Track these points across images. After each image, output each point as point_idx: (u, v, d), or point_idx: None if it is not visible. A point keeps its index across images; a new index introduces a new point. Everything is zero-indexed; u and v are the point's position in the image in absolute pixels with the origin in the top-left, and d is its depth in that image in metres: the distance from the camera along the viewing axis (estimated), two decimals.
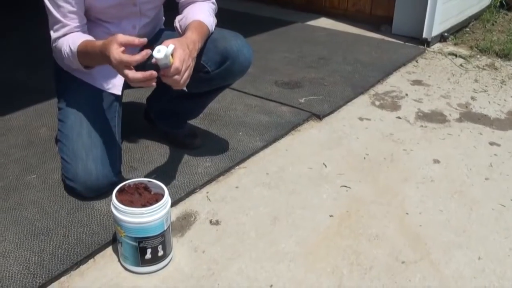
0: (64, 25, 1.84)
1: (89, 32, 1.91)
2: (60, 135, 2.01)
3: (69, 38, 1.83)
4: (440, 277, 1.66)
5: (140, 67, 1.60)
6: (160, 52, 1.60)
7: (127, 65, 1.58)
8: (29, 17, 4.53)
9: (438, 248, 1.79)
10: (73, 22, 1.84)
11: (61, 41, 1.86)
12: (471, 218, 1.96)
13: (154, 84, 1.63)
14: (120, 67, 1.59)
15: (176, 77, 1.65)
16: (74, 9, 1.82)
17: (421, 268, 1.70)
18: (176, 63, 1.63)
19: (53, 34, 1.88)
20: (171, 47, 1.63)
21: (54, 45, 1.90)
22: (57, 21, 1.84)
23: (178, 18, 2.00)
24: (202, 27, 1.87)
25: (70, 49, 1.80)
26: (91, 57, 1.77)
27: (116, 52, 1.57)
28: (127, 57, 1.57)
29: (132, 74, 1.58)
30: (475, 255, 1.76)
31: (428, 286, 1.63)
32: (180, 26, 1.97)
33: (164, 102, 2.29)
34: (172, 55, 1.63)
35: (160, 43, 1.63)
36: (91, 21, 1.95)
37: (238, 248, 1.78)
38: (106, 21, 1.98)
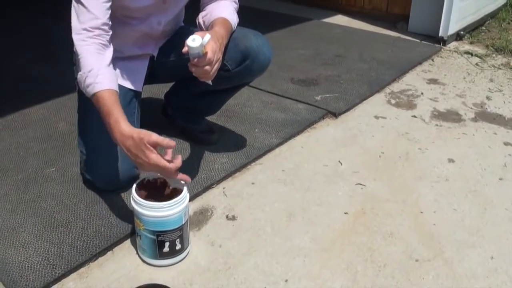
0: (95, 18, 1.71)
1: (113, 30, 1.87)
2: (80, 129, 2.04)
3: (99, 61, 1.70)
4: (453, 276, 1.67)
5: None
6: (195, 41, 1.60)
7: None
8: (46, 11, 4.57)
9: (451, 247, 1.80)
10: (103, 16, 1.73)
11: (86, 45, 1.71)
12: (484, 218, 1.97)
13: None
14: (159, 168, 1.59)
15: (207, 67, 1.68)
16: (106, 4, 1.75)
17: (434, 266, 1.71)
18: (209, 54, 1.65)
19: (81, 25, 1.72)
20: (207, 37, 1.64)
21: (77, 38, 1.72)
22: (87, 11, 1.71)
23: (201, 14, 2.02)
24: (227, 24, 1.89)
25: (93, 81, 1.66)
26: (106, 116, 1.65)
27: (157, 158, 1.56)
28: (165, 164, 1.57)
29: (169, 164, 1.59)
30: (488, 255, 1.77)
31: (441, 284, 1.64)
32: (204, 22, 1.99)
33: (182, 98, 2.31)
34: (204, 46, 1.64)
35: (187, 37, 1.64)
36: (116, 18, 1.92)
37: (254, 243, 1.80)
38: (133, 18, 1.99)
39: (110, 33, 1.79)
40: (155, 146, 1.55)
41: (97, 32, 1.73)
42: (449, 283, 1.64)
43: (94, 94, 1.65)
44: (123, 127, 1.59)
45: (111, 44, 1.80)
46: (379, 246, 1.80)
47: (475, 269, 1.70)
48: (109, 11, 1.77)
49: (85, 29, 1.72)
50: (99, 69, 1.67)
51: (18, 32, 4.08)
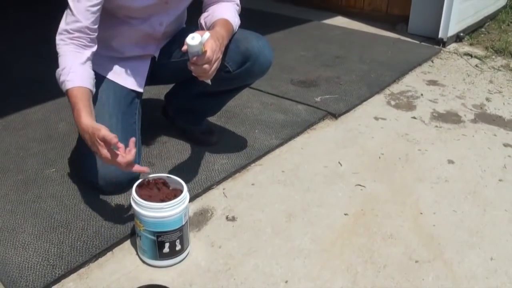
0: (77, 21, 1.78)
1: (112, 30, 1.88)
2: None
3: (73, 60, 1.78)
4: (453, 277, 1.67)
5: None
6: (195, 39, 1.61)
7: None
8: (46, 12, 4.56)
9: (451, 248, 1.80)
10: (86, 21, 1.79)
11: (64, 44, 1.81)
12: (484, 219, 1.97)
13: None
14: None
15: (206, 66, 1.68)
16: (92, 8, 1.79)
17: (434, 268, 1.71)
18: (208, 52, 1.66)
19: (64, 26, 1.81)
20: (206, 35, 1.65)
21: (58, 38, 1.83)
22: (71, 14, 1.78)
23: (203, 15, 2.03)
24: (229, 25, 1.90)
25: (65, 79, 1.76)
26: (72, 110, 1.73)
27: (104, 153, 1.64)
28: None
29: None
30: (488, 256, 1.77)
31: (441, 285, 1.64)
32: (205, 23, 2.00)
33: (183, 99, 2.31)
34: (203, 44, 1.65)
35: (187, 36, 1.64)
36: (118, 18, 1.96)
37: (254, 244, 1.80)
38: (134, 18, 1.99)
39: (94, 35, 1.84)
40: (105, 141, 1.61)
41: (77, 34, 1.80)
42: (449, 284, 1.64)
43: (66, 91, 1.76)
44: (83, 120, 1.67)
45: (95, 45, 1.86)
46: (379, 247, 1.81)
47: (475, 270, 1.71)
48: (94, 15, 1.81)
49: (66, 31, 1.80)
50: (71, 67, 1.76)
51: (18, 32, 4.08)
